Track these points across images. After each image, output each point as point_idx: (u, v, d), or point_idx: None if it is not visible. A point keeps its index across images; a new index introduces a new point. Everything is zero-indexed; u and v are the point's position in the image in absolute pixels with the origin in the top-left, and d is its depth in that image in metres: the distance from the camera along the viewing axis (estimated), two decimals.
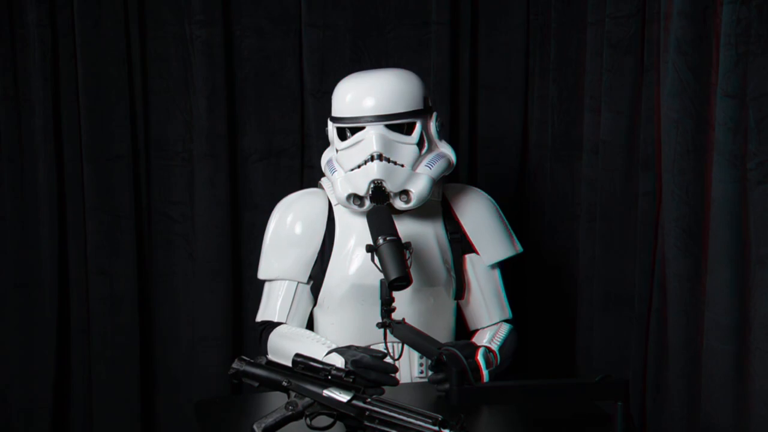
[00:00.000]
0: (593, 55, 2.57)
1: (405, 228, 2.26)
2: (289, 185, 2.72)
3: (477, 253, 2.35)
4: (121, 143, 2.73)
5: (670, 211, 2.26)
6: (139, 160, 2.78)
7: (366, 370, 1.98)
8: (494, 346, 2.23)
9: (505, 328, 2.34)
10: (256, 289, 2.59)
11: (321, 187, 2.38)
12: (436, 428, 1.68)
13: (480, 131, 2.91)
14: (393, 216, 2.22)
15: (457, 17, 2.82)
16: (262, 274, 2.35)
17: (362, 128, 2.22)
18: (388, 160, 2.19)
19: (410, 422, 1.70)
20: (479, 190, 2.43)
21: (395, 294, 2.11)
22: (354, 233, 2.26)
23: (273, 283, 2.33)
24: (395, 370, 2.01)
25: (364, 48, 2.80)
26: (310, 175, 2.81)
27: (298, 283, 2.30)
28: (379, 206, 2.18)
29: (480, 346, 2.18)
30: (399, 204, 2.21)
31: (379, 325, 2.09)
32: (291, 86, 2.81)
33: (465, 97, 2.86)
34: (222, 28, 2.74)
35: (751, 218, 2.04)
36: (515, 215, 2.79)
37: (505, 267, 2.41)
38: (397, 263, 2.03)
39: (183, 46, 2.74)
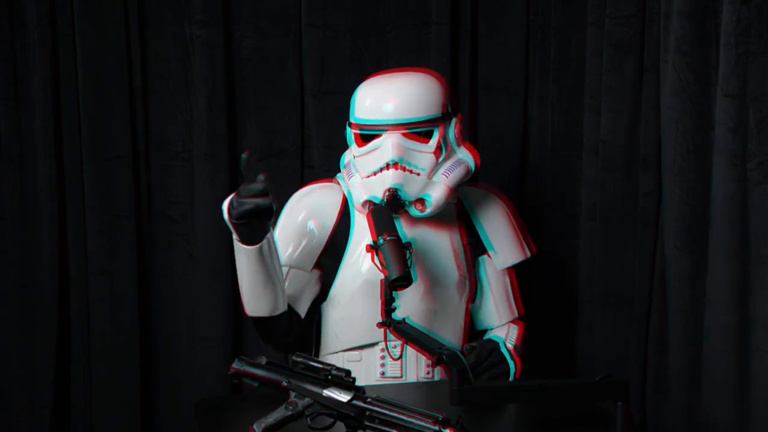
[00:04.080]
0: (593, 55, 2.57)
1: (418, 229, 2.27)
2: (289, 185, 2.72)
3: (490, 256, 2.36)
4: (121, 143, 2.73)
5: (670, 211, 2.27)
6: (139, 160, 2.78)
7: (243, 215, 2.00)
8: (510, 345, 2.26)
9: (515, 329, 2.36)
10: None
11: (338, 182, 2.38)
12: (436, 428, 1.68)
13: (480, 131, 2.91)
14: (408, 216, 2.23)
15: (457, 17, 2.82)
16: None
17: (381, 134, 2.22)
18: (405, 168, 2.19)
19: (410, 422, 1.70)
20: (496, 190, 2.44)
21: (406, 293, 2.11)
22: (369, 231, 2.26)
23: None
24: (264, 193, 2.00)
25: (364, 48, 2.81)
26: (310, 175, 2.81)
27: (300, 271, 2.31)
28: (380, 206, 2.18)
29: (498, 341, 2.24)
30: (415, 211, 2.22)
31: (380, 325, 2.10)
32: (291, 86, 2.81)
33: (465, 97, 2.86)
34: (222, 28, 2.73)
35: (751, 218, 2.04)
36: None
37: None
38: (398, 262, 2.03)
39: (183, 46, 2.74)
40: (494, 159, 2.90)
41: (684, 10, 2.16)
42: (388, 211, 2.16)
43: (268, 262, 2.12)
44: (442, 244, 2.30)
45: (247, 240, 2.08)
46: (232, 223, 2.05)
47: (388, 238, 2.06)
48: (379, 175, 2.20)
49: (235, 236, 2.09)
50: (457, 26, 2.83)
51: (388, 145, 2.19)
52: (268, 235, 2.09)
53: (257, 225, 2.05)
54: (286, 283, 2.31)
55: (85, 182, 2.71)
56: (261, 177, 2.00)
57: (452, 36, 2.81)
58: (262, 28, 2.78)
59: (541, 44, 2.83)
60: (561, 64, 2.75)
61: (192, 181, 2.78)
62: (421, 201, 2.21)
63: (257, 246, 2.08)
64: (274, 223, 2.28)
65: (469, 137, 2.86)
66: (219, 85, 2.74)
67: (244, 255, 2.11)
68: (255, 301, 2.19)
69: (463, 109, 2.86)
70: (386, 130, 2.21)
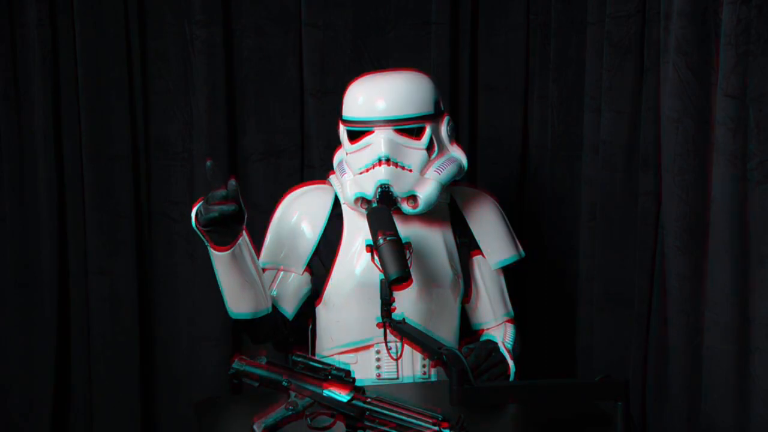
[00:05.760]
0: (593, 55, 2.58)
1: (412, 228, 2.27)
2: (289, 185, 2.71)
3: (483, 256, 2.36)
4: (121, 143, 2.73)
5: (670, 211, 2.27)
6: (139, 160, 2.78)
7: (209, 222, 2.00)
8: (507, 346, 2.25)
9: (510, 330, 2.36)
10: None
11: (330, 183, 2.38)
12: (436, 428, 1.68)
13: (480, 131, 2.91)
14: (401, 216, 2.23)
15: (457, 17, 2.82)
16: (260, 261, 2.36)
17: (371, 131, 2.22)
18: (396, 164, 2.19)
19: (410, 422, 1.70)
20: (486, 192, 2.44)
21: (400, 293, 2.11)
22: (362, 232, 2.26)
23: (268, 270, 2.34)
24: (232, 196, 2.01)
25: (364, 48, 2.81)
26: (310, 175, 2.81)
27: (289, 272, 2.31)
28: (378, 206, 2.18)
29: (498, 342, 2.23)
30: (406, 208, 2.21)
31: (379, 325, 2.10)
32: (291, 86, 2.81)
33: (465, 97, 2.86)
34: (222, 28, 2.73)
35: (751, 218, 2.04)
36: (515, 215, 2.79)
37: (506, 267, 2.42)
38: (397, 262, 2.03)
39: (183, 46, 2.74)
40: (494, 159, 2.91)
41: (684, 10, 2.16)
42: (387, 210, 2.16)
43: (242, 264, 2.13)
44: (435, 244, 2.30)
45: (217, 244, 2.09)
46: (201, 230, 2.05)
47: (387, 238, 2.06)
48: (370, 171, 2.20)
49: (205, 241, 2.09)
50: (457, 26, 2.83)
51: (378, 142, 2.20)
52: (240, 239, 2.10)
53: (225, 230, 2.06)
54: (275, 284, 2.31)
55: (85, 182, 2.71)
56: (232, 183, 2.01)
57: (452, 36, 2.81)
58: (262, 27, 2.78)
59: (541, 44, 2.83)
60: (561, 64, 2.75)
61: (192, 181, 2.78)
62: (412, 197, 2.21)
63: (228, 250, 2.09)
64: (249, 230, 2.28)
65: (469, 137, 2.87)
66: (219, 85, 2.74)
67: (216, 259, 2.13)
68: (234, 303, 2.20)
69: (463, 109, 2.86)
70: (377, 127, 2.21)
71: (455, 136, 2.33)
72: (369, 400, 1.74)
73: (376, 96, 2.22)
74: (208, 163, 2.01)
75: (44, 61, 2.64)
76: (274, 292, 2.31)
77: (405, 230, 2.24)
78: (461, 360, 1.81)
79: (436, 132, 2.26)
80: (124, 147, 2.74)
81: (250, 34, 2.78)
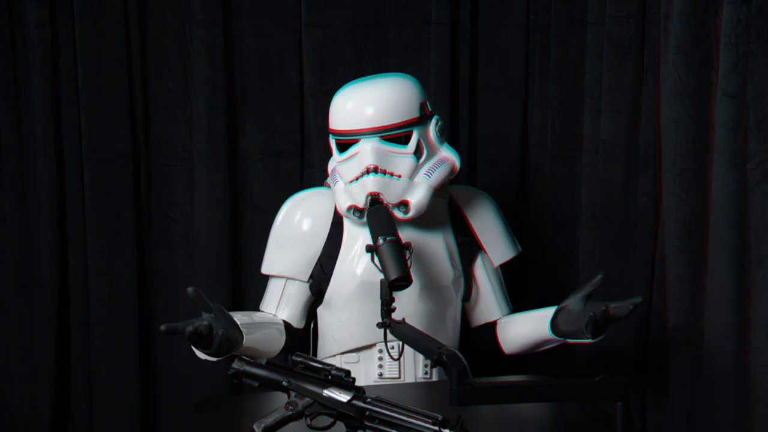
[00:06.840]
0: (593, 55, 2.58)
1: (412, 229, 2.27)
2: (289, 185, 2.72)
3: (486, 253, 2.37)
4: (121, 143, 2.73)
5: (670, 211, 2.27)
6: (139, 160, 2.78)
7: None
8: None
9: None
10: (256, 288, 2.59)
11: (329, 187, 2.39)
12: (436, 428, 1.68)
13: (480, 131, 2.91)
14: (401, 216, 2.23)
15: (457, 17, 2.82)
16: (264, 270, 2.36)
17: (358, 141, 2.22)
18: (384, 173, 2.20)
19: (410, 422, 1.70)
20: (482, 191, 2.45)
21: (402, 294, 2.12)
22: (362, 233, 2.26)
23: (273, 279, 2.35)
24: None
25: (364, 48, 2.81)
26: (310, 175, 2.81)
27: (298, 280, 2.31)
28: (378, 207, 2.18)
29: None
30: (399, 215, 2.21)
31: (379, 325, 2.10)
32: (291, 86, 2.81)
33: (465, 97, 2.86)
34: (222, 28, 2.73)
35: (751, 218, 2.04)
36: (515, 215, 2.79)
37: (505, 266, 2.42)
38: (397, 263, 2.04)
39: (183, 46, 2.74)
40: (494, 159, 2.90)
41: (684, 10, 2.16)
42: (386, 211, 2.16)
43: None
44: (436, 244, 2.30)
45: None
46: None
47: (387, 239, 2.07)
48: (360, 180, 2.21)
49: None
50: (457, 26, 2.83)
51: (365, 152, 2.20)
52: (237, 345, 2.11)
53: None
54: (284, 299, 2.32)
55: (85, 182, 2.71)
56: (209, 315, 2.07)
57: (452, 36, 2.81)
58: (262, 27, 2.78)
59: (541, 44, 2.83)
60: (561, 64, 2.75)
61: (192, 181, 2.78)
62: (404, 204, 2.21)
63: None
64: None
65: (469, 137, 2.87)
66: (219, 85, 2.74)
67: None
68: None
69: (463, 109, 2.86)
70: (363, 137, 2.21)
71: (445, 137, 2.33)
72: (369, 400, 1.74)
73: (360, 106, 2.23)
74: (190, 289, 2.04)
75: (44, 61, 2.64)
76: (285, 311, 2.33)
77: (405, 231, 2.24)
78: (461, 360, 1.81)
79: (423, 136, 2.26)
80: (124, 147, 2.74)
81: (250, 34, 2.78)
